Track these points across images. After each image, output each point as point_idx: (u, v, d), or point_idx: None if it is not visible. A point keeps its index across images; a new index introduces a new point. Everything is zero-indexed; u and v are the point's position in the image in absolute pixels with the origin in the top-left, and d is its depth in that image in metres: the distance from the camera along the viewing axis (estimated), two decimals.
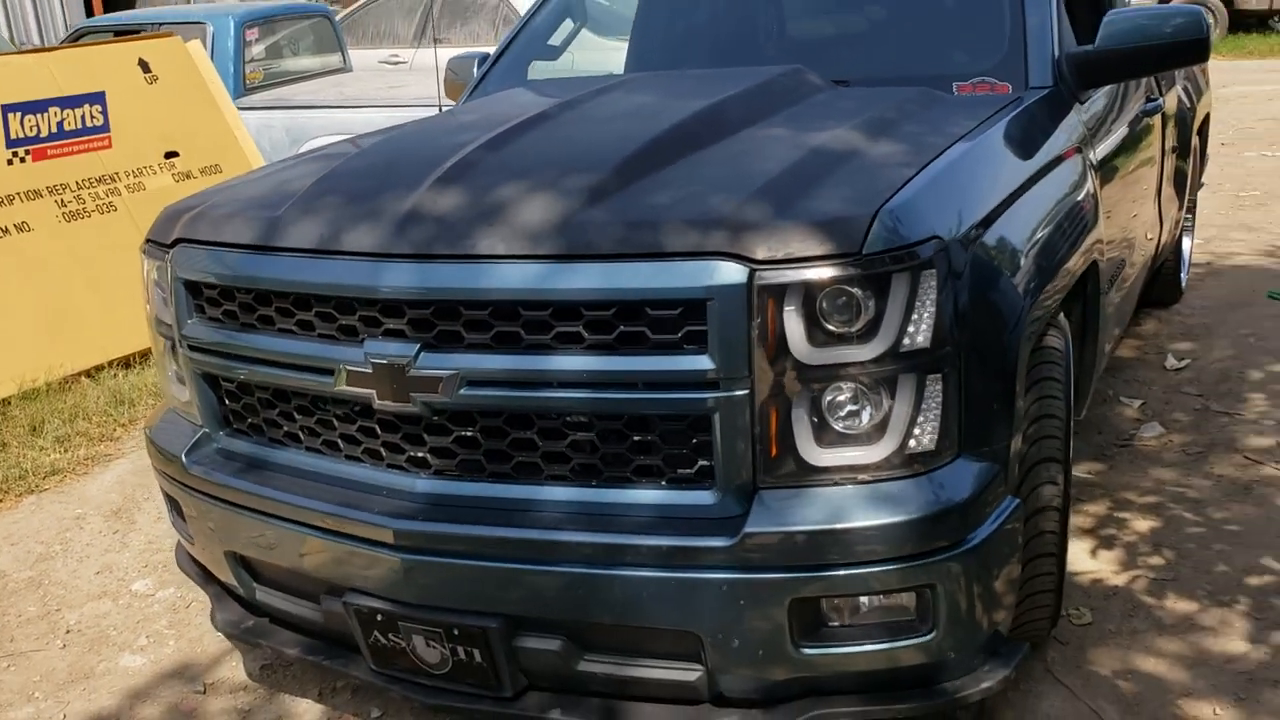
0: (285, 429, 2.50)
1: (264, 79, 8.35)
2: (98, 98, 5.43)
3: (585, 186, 2.19)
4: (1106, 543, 3.20)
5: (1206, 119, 5.41)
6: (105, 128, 5.44)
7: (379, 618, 2.32)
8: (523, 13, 4.59)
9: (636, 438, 2.12)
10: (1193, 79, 5.07)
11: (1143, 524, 3.29)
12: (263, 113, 7.39)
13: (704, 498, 2.09)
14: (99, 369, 4.95)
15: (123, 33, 7.40)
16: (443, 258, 2.15)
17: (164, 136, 5.65)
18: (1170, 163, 4.33)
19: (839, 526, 2.03)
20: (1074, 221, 2.67)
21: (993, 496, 2.16)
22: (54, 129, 5.22)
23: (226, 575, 2.67)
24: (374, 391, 2.23)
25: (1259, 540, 3.16)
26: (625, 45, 4.12)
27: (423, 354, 2.17)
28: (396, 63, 10.30)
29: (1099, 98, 3.26)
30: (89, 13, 13.57)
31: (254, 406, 2.54)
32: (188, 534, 2.75)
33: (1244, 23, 16.01)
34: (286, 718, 2.73)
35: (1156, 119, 3.91)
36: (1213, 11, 15.75)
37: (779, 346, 2.00)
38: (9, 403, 4.59)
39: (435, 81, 4.27)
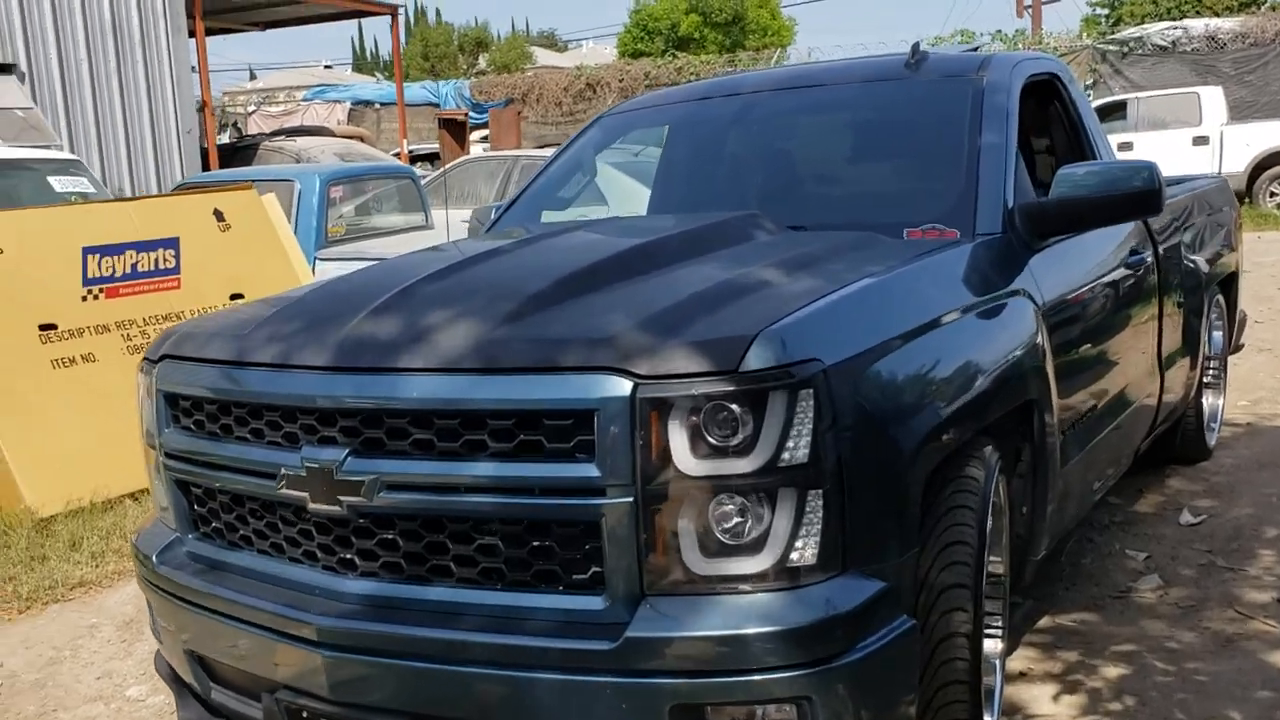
0: (240, 532, 2.68)
1: (346, 232, 8.93)
2: (172, 243, 5.90)
3: (502, 311, 2.38)
4: (1070, 688, 3.15)
5: (1233, 278, 5.40)
6: (176, 270, 5.89)
7: (304, 714, 2.44)
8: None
9: (536, 543, 2.24)
10: (1220, 239, 5.11)
11: (1113, 671, 3.23)
12: (340, 263, 7.88)
13: (595, 603, 2.19)
14: (144, 492, 5.25)
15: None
16: (366, 370, 2.34)
17: (231, 279, 6.07)
18: (1174, 320, 4.35)
19: (716, 634, 2.10)
20: (1002, 360, 2.75)
21: (880, 613, 2.20)
22: (128, 270, 5.68)
23: (187, 674, 2.83)
24: (307, 494, 2.40)
25: (1225, 691, 3.08)
26: None
27: (349, 459, 2.34)
28: None
29: (1064, 248, 3.35)
30: (205, 167, 14.64)
31: (216, 511, 2.73)
32: (158, 633, 2.92)
33: None
34: None
35: (1145, 273, 3.96)
36: None
37: (662, 457, 2.11)
38: (55, 519, 4.89)
39: None
